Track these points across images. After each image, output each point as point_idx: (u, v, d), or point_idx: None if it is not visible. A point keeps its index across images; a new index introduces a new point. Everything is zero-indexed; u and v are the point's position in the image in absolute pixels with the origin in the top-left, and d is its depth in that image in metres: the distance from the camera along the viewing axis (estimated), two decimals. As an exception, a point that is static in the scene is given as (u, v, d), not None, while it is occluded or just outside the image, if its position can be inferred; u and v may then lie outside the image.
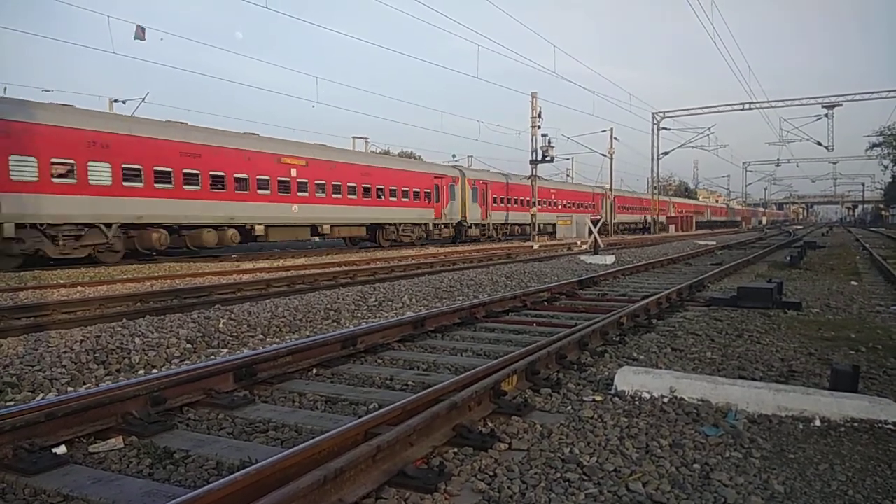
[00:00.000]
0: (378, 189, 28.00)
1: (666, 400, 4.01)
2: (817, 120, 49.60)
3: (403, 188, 29.84)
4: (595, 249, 19.83)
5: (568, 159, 55.31)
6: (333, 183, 25.44)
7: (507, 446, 3.31)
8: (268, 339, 6.75)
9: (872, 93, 45.55)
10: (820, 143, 51.72)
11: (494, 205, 37.06)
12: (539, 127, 34.24)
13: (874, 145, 73.11)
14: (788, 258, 15.76)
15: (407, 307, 9.02)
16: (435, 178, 32.22)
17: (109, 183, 17.54)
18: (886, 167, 77.81)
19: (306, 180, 24.15)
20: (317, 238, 26.01)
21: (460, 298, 9.83)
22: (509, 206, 38.47)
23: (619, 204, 54.62)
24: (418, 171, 31.98)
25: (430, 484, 2.78)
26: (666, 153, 53.81)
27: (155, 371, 5.33)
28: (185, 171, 19.63)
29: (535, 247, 26.99)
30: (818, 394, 3.79)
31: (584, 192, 49.89)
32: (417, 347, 6.08)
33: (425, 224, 31.41)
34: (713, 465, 3.05)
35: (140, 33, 20.25)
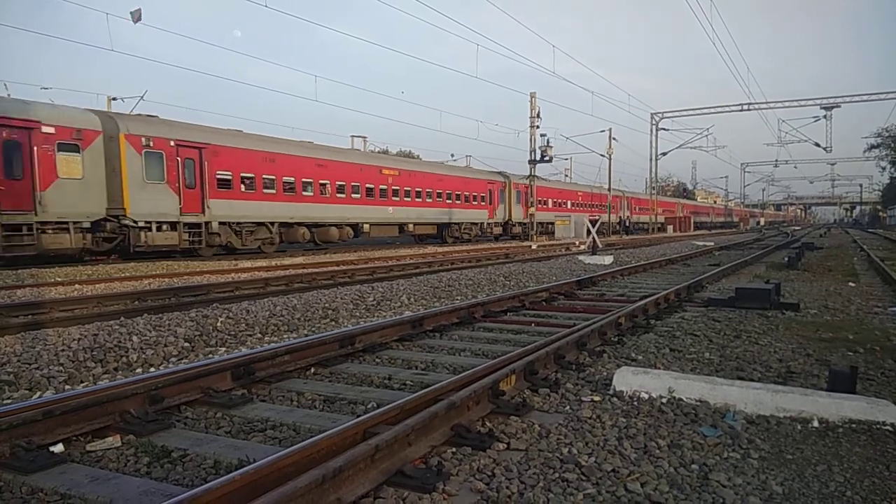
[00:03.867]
0: (448, 194, 33.71)
1: (664, 400, 4.01)
2: (816, 121, 49.76)
3: (466, 193, 35.42)
4: (593, 250, 19.83)
5: (567, 159, 55.44)
6: (416, 189, 31.14)
7: (505, 446, 3.30)
8: (266, 338, 6.74)
9: (871, 94, 45.71)
10: (818, 145, 51.82)
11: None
12: (538, 127, 34.26)
13: (872, 147, 73.19)
14: (786, 259, 15.78)
15: (405, 307, 9.01)
16: (489, 183, 37.81)
17: (274, 191, 22.97)
18: (884, 169, 77.90)
19: (398, 187, 29.73)
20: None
21: (458, 298, 9.83)
22: (548, 206, 43.83)
23: (635, 205, 59.26)
24: (477, 178, 37.40)
25: (428, 483, 2.78)
26: (664, 153, 53.97)
27: (153, 369, 5.33)
28: (320, 181, 25.07)
29: (534, 247, 27.00)
30: (816, 395, 3.79)
31: (606, 195, 53.15)
32: (416, 347, 6.08)
33: (481, 223, 36.88)
34: (711, 465, 3.05)
35: (137, 17, 20.73)
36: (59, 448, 3.31)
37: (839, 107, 47.01)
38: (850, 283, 11.52)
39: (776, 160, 75.54)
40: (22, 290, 10.64)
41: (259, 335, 6.87)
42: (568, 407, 3.98)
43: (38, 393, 4.61)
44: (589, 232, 20.72)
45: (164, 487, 2.88)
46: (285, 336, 6.86)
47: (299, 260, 18.64)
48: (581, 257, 18.28)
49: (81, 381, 4.95)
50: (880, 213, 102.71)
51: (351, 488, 2.65)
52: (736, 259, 17.42)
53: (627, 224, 54.89)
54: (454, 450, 3.25)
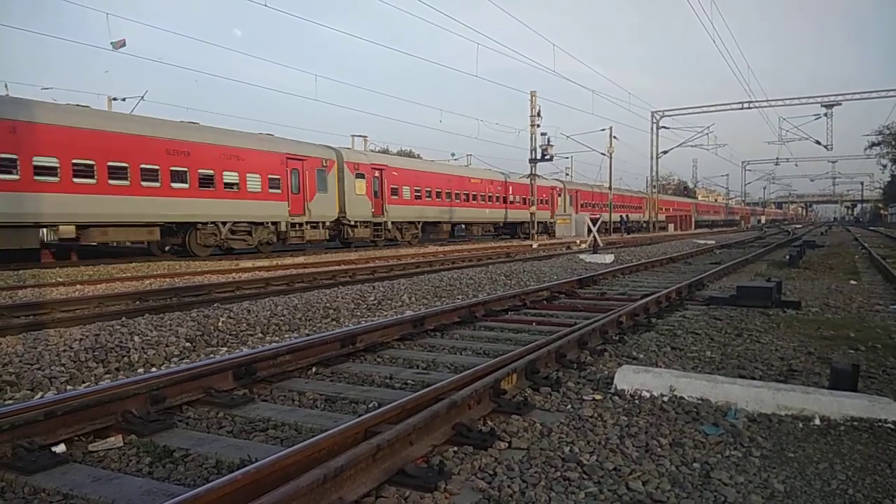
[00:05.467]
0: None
1: (666, 399, 4.01)
2: (816, 119, 49.67)
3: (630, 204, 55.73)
4: (594, 248, 19.82)
5: (567, 158, 55.41)
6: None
7: (506, 445, 3.30)
8: (267, 338, 6.75)
9: (871, 92, 45.60)
10: (819, 143, 51.75)
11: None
12: (538, 126, 34.28)
13: (873, 144, 73.09)
14: (787, 257, 15.76)
15: (406, 306, 9.02)
16: (641, 198, 55.75)
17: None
18: (885, 166, 77.78)
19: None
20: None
21: (460, 297, 9.83)
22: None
23: (701, 209, 75.17)
24: (632, 195, 56.18)
25: (430, 483, 2.78)
26: (665, 152, 53.90)
27: (154, 369, 5.33)
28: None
29: (535, 245, 27.00)
30: (818, 393, 3.78)
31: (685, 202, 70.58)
32: (417, 346, 6.07)
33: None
34: (713, 463, 3.05)
35: (120, 45, 21.40)
36: (60, 448, 3.31)
37: (840, 105, 46.95)
38: (852, 281, 11.51)
39: (777, 158, 75.34)
40: (23, 291, 10.65)
41: (260, 335, 6.87)
42: (569, 406, 3.98)
43: (40, 393, 4.61)
44: (590, 231, 20.72)
45: (166, 487, 2.89)
46: (286, 336, 6.87)
47: (300, 259, 18.65)
48: (582, 256, 18.27)
49: (83, 382, 4.95)
50: (881, 211, 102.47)
51: (352, 487, 2.65)
52: (737, 257, 17.40)
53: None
54: (456, 449, 3.25)
